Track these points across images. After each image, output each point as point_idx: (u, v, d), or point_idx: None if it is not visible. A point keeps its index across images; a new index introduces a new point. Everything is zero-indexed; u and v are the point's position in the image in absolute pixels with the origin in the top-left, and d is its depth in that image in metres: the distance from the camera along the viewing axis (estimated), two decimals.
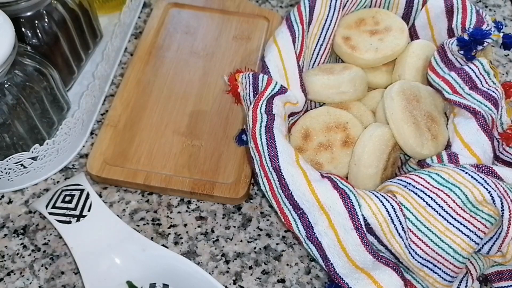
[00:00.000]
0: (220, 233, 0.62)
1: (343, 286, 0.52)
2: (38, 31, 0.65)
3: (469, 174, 0.53)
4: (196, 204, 0.65)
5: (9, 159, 0.60)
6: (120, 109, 0.70)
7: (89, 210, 0.59)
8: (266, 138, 0.55)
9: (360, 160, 0.58)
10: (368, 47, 0.66)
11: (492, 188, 0.52)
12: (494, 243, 0.54)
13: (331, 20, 0.68)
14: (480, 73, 0.62)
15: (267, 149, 0.54)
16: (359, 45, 0.67)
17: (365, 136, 0.59)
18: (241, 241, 0.62)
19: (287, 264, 0.60)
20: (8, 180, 0.63)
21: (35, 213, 0.63)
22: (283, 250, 0.61)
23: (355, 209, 0.51)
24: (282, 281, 0.59)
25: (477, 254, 0.56)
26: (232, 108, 0.71)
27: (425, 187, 0.53)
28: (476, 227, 0.51)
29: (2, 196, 0.65)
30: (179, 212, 0.64)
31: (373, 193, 0.53)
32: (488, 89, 0.61)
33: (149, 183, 0.64)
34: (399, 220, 0.52)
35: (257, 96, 0.60)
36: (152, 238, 0.62)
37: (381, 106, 0.62)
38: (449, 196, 0.52)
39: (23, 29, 0.64)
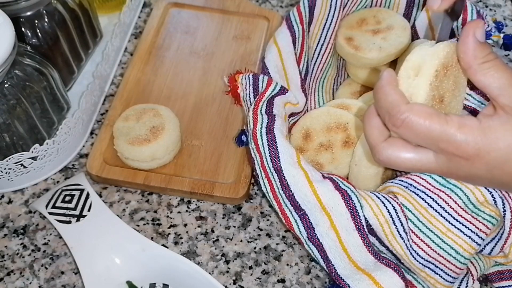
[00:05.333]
0: (220, 233, 0.62)
1: (344, 287, 0.52)
2: (38, 31, 0.65)
3: None
4: (196, 204, 0.65)
5: (9, 159, 0.60)
6: (120, 109, 0.69)
7: (89, 210, 0.59)
8: (267, 139, 0.55)
9: (361, 160, 0.58)
10: (372, 46, 0.66)
11: (493, 189, 0.52)
12: (496, 244, 0.54)
13: (332, 20, 0.68)
14: None
15: (268, 150, 0.54)
16: (362, 45, 0.67)
17: None
18: (241, 241, 0.62)
19: (287, 264, 0.60)
20: (8, 180, 0.63)
21: (35, 213, 0.63)
22: (283, 250, 0.61)
23: (357, 210, 0.51)
24: (282, 281, 0.59)
25: (478, 254, 0.56)
26: (232, 108, 0.71)
27: (427, 188, 0.53)
28: (478, 228, 0.51)
29: (2, 196, 0.65)
30: (179, 212, 0.64)
31: (374, 194, 0.53)
32: None
33: (149, 183, 0.64)
34: (401, 221, 0.52)
35: (257, 96, 0.60)
36: (152, 238, 0.62)
37: None
38: (450, 197, 0.52)
39: (23, 29, 0.64)
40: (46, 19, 0.65)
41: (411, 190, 0.53)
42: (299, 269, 0.60)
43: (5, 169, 0.61)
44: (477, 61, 0.43)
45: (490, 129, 0.41)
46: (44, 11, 0.65)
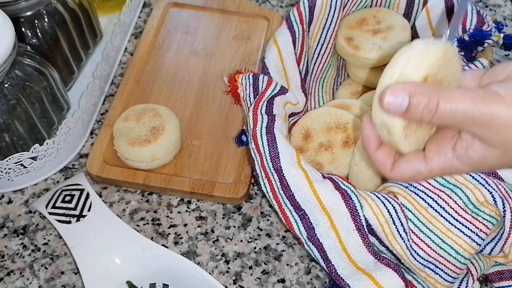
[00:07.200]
0: (220, 233, 0.62)
1: (344, 287, 0.52)
2: (38, 31, 0.65)
3: (470, 175, 0.53)
4: (196, 204, 0.65)
5: (9, 159, 0.60)
6: (120, 109, 0.69)
7: (89, 210, 0.59)
8: (267, 139, 0.55)
9: (361, 160, 0.58)
10: (372, 46, 0.66)
11: (493, 189, 0.52)
12: (496, 244, 0.54)
13: (332, 20, 0.68)
14: None
15: (268, 150, 0.54)
16: (362, 45, 0.67)
17: None
18: (241, 241, 0.62)
19: (287, 264, 0.60)
20: (8, 180, 0.63)
21: (35, 213, 0.63)
22: (283, 250, 0.61)
23: (357, 210, 0.51)
24: (282, 281, 0.59)
25: (478, 254, 0.56)
26: (232, 108, 0.71)
27: (427, 188, 0.53)
28: (478, 228, 0.51)
29: (2, 196, 0.65)
30: (179, 212, 0.64)
31: (374, 194, 0.53)
32: None
33: (149, 183, 0.64)
34: (401, 221, 0.52)
35: (257, 96, 0.60)
36: (152, 238, 0.62)
37: None
38: (450, 197, 0.52)
39: (23, 29, 0.64)
40: (46, 19, 0.65)
41: (411, 190, 0.53)
42: (299, 269, 0.60)
43: (5, 169, 0.61)
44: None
45: (473, 161, 0.41)
46: (44, 11, 0.65)
